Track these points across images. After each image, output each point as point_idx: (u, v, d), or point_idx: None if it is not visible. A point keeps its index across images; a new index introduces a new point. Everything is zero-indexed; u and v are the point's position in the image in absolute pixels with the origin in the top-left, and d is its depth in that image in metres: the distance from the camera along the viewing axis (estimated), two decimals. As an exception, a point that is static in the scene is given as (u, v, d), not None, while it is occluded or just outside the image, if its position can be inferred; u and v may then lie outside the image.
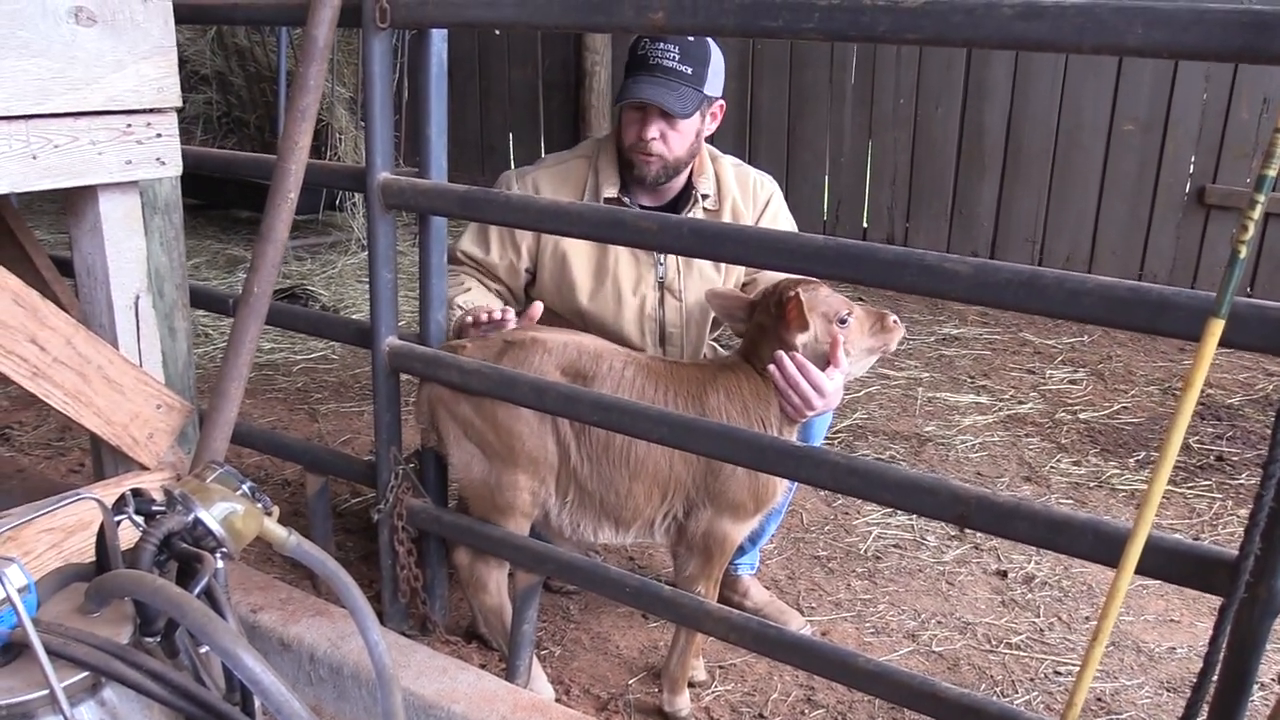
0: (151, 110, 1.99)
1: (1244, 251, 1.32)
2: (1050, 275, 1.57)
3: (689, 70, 2.53)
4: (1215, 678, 1.56)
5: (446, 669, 2.26)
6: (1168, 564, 1.56)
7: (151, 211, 2.22)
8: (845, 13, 1.65)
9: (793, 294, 2.26)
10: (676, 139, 2.58)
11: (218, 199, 7.47)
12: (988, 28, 1.55)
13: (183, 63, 6.92)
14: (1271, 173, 1.30)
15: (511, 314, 2.48)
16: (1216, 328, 1.34)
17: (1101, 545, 1.60)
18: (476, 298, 2.64)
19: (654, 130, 2.55)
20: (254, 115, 7.24)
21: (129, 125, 1.96)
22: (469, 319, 2.50)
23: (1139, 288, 1.51)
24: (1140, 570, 1.50)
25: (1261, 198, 1.30)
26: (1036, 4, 1.50)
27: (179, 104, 2.05)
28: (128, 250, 2.07)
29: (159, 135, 2.01)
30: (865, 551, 3.32)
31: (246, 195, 6.87)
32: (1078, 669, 1.48)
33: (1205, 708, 1.62)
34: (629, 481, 2.38)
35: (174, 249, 2.29)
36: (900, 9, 1.60)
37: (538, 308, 2.53)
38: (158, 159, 2.03)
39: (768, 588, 3.03)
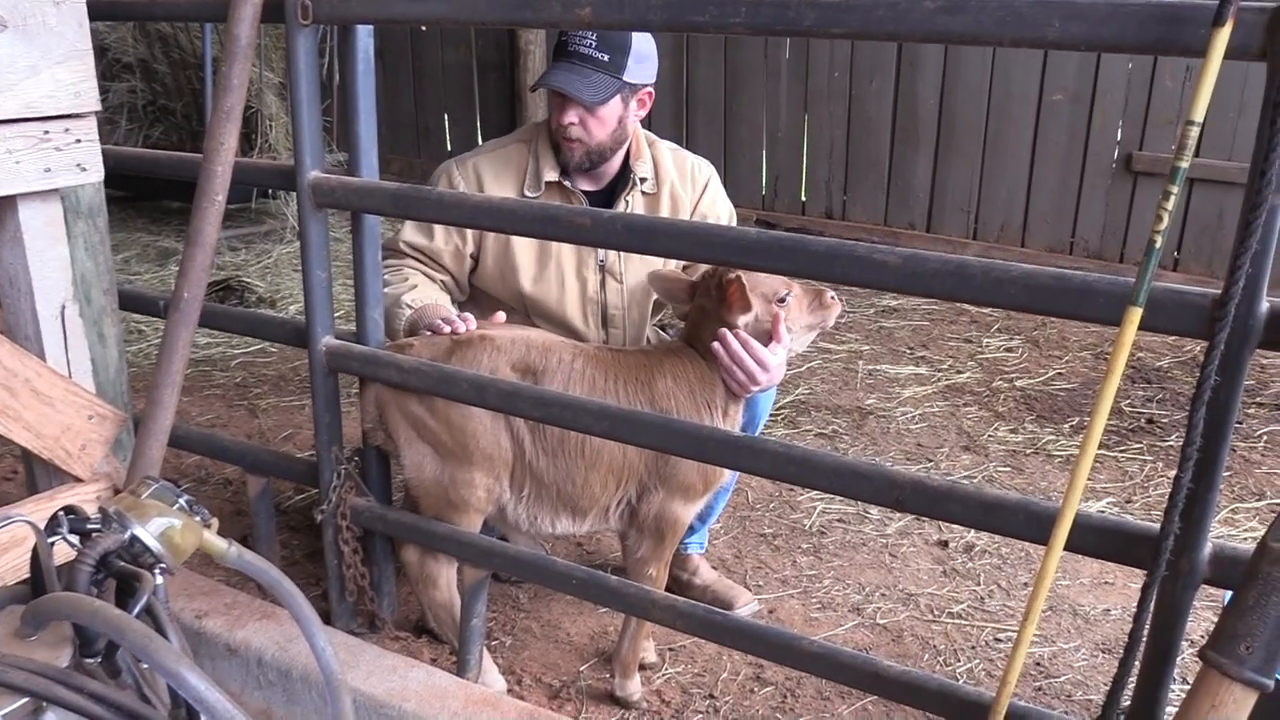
0: (69, 116, 1.94)
1: (1160, 241, 1.36)
2: (976, 265, 1.60)
3: (605, 58, 2.54)
4: (1142, 648, 1.62)
5: (396, 667, 2.26)
6: (1095, 541, 1.61)
7: (75, 217, 2.16)
8: (771, 7, 1.66)
9: (734, 276, 2.29)
10: (596, 125, 2.59)
11: (145, 191, 7.29)
12: (911, 22, 1.57)
13: (104, 51, 6.73)
14: (1184, 164, 1.34)
15: (472, 320, 2.46)
16: (1135, 315, 1.38)
17: (1032, 524, 1.65)
18: (425, 294, 2.63)
19: (571, 116, 2.57)
20: (180, 103, 7.06)
21: (46, 132, 1.91)
22: (425, 331, 2.46)
23: (1062, 275, 1.55)
24: (1069, 548, 1.55)
25: (1175, 189, 1.34)
26: (958, -2, 1.53)
27: (98, 108, 2.00)
28: (51, 259, 2.02)
29: (78, 141, 1.96)
30: (810, 527, 3.38)
31: (175, 186, 6.72)
32: (1015, 637, 1.52)
33: (1138, 677, 1.68)
34: (585, 472, 2.40)
35: (100, 254, 2.24)
36: (825, 3, 1.62)
37: (501, 317, 2.53)
38: (78, 165, 1.97)
39: (715, 568, 3.07)
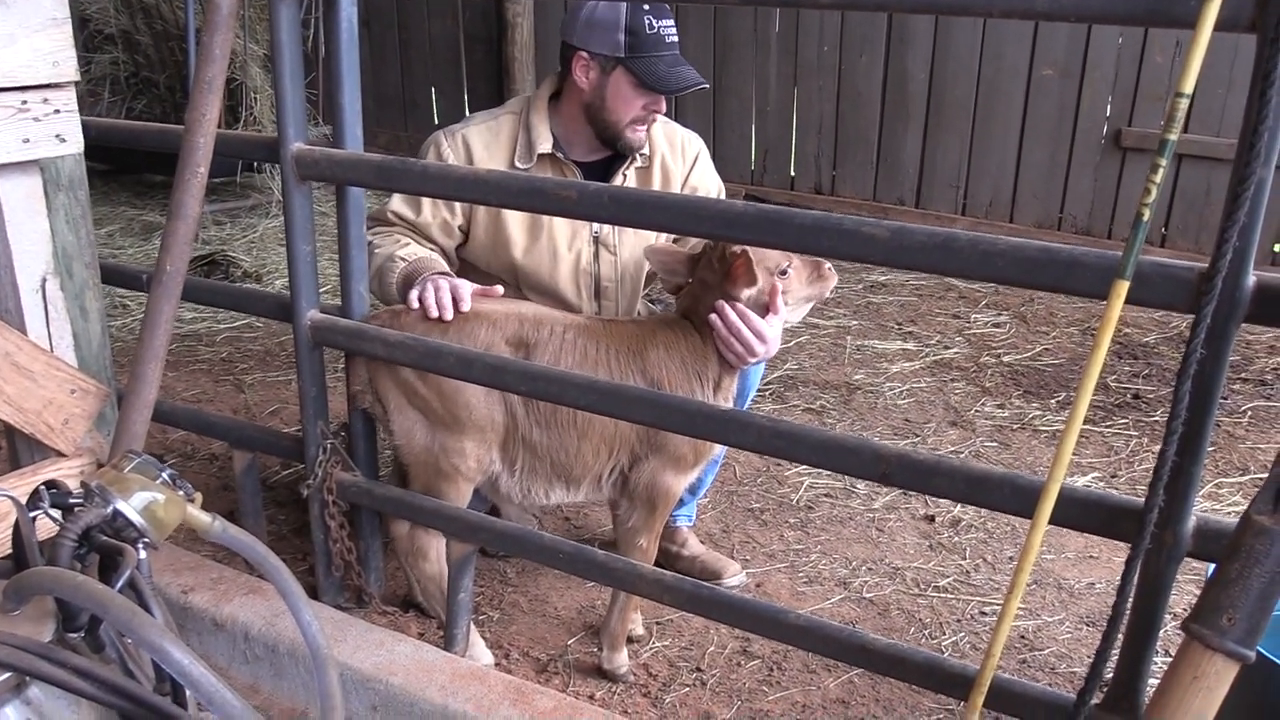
0: (48, 85, 1.91)
1: (1148, 214, 1.35)
2: (964, 238, 1.59)
3: (678, 39, 2.58)
4: (1125, 620, 1.63)
5: (383, 642, 2.26)
6: (1080, 515, 1.62)
7: (55, 189, 2.13)
8: (759, -23, 1.65)
9: (740, 251, 2.28)
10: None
11: (128, 164, 7.22)
12: (899, -8, 1.56)
13: (85, 22, 6.63)
14: (1172, 137, 1.33)
15: (466, 301, 2.38)
16: (1122, 289, 1.38)
17: (1018, 498, 1.65)
18: (418, 251, 2.60)
19: (664, 102, 2.62)
20: (163, 75, 6.96)
21: (24, 102, 1.88)
22: (415, 302, 2.39)
23: (1049, 248, 1.54)
24: (1054, 521, 1.56)
25: (1163, 162, 1.33)
26: (947, -32, 1.51)
27: (77, 78, 1.97)
28: (31, 232, 2.00)
29: (57, 111, 1.93)
30: (797, 502, 3.38)
31: (159, 160, 6.64)
32: (1000, 610, 1.53)
33: (1121, 649, 1.69)
34: (578, 441, 2.41)
35: (81, 227, 2.21)
36: (813, -27, 1.60)
37: (498, 291, 2.48)
38: (57, 136, 1.95)
39: (703, 543, 3.08)
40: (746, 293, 2.33)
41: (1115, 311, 1.37)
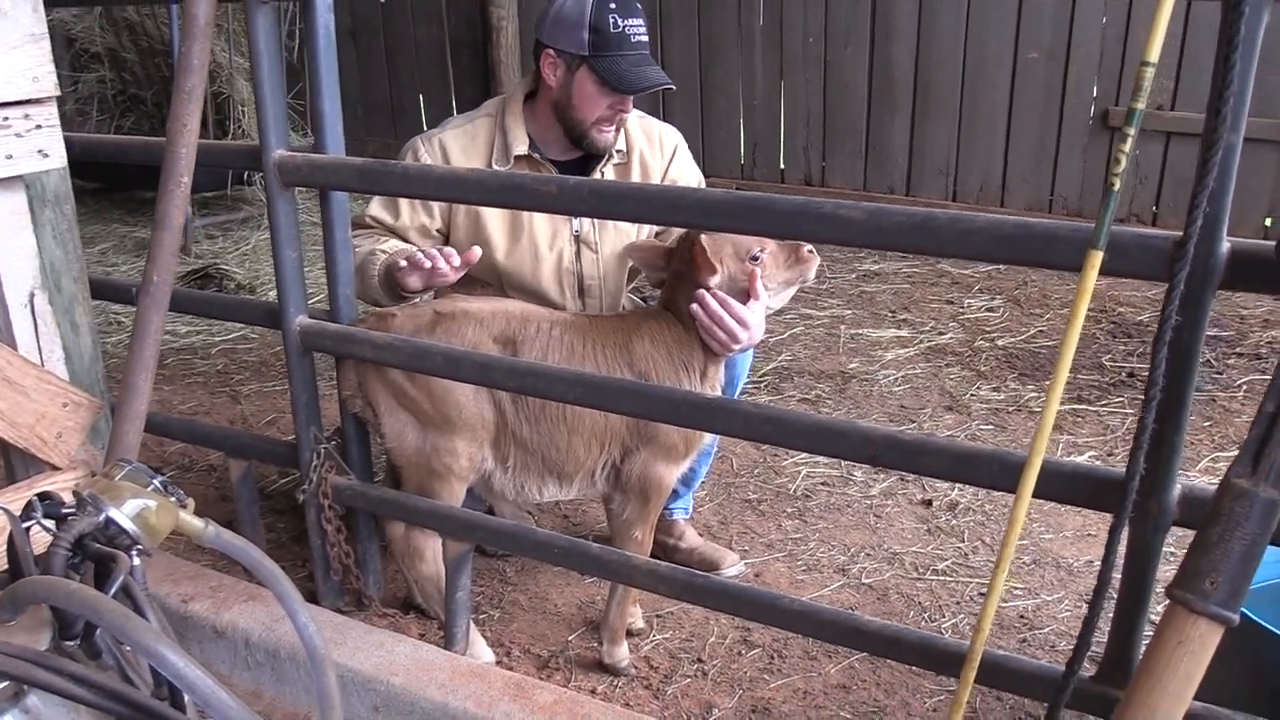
0: (28, 101, 1.92)
1: (1118, 184, 1.36)
2: (942, 216, 1.60)
3: (648, 39, 2.57)
4: (1115, 591, 1.64)
5: (383, 642, 2.27)
6: (1066, 488, 1.62)
7: (41, 204, 2.15)
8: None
9: (696, 239, 2.30)
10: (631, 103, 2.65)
11: (120, 181, 7.23)
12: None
13: (71, 41, 6.65)
14: (1140, 106, 1.34)
15: (455, 256, 2.36)
16: (1096, 259, 1.39)
17: (1006, 475, 1.65)
18: (397, 244, 2.62)
19: (631, 102, 2.61)
20: (150, 92, 6.97)
21: (5, 119, 1.89)
22: (404, 262, 2.38)
23: (1026, 223, 1.55)
24: (1040, 494, 1.57)
25: (1132, 131, 1.34)
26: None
27: (58, 93, 1.98)
28: (17, 247, 2.01)
29: (38, 127, 1.95)
30: (794, 491, 3.39)
31: (149, 177, 6.63)
32: (990, 584, 1.54)
33: (1113, 621, 1.70)
34: (568, 436, 2.42)
35: (68, 241, 2.22)
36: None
37: (476, 252, 2.43)
38: (39, 151, 1.96)
39: (701, 535, 3.09)
40: (713, 280, 2.33)
41: (1090, 282, 1.38)
